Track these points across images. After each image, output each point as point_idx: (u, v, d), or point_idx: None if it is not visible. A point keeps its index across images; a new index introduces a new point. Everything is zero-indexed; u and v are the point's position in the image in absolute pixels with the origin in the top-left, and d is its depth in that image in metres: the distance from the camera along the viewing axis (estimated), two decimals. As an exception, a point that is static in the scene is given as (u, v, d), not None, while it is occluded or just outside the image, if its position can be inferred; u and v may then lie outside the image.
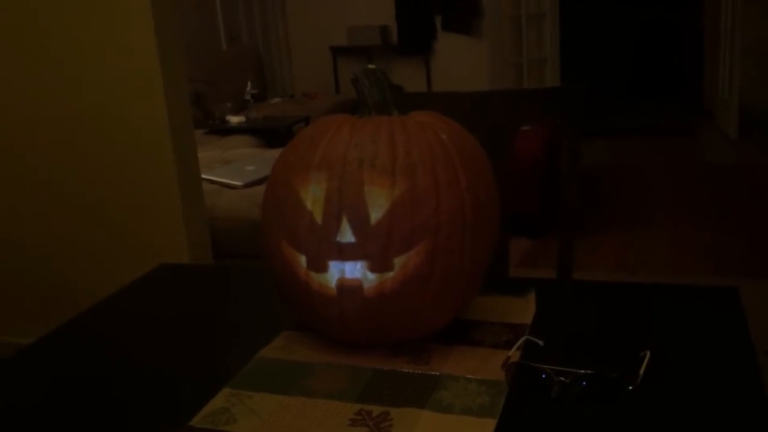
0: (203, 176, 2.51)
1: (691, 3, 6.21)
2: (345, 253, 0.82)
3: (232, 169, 2.83)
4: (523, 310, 0.98)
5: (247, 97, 4.34)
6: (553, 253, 2.22)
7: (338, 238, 0.82)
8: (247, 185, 2.67)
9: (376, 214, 0.81)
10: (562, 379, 0.75)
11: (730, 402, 0.74)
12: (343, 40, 5.96)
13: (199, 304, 1.13)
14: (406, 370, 0.86)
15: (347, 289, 0.84)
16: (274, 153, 3.22)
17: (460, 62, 5.84)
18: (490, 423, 0.74)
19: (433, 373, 0.85)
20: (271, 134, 3.96)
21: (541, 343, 0.87)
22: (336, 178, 0.82)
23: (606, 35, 6.94)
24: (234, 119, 4.08)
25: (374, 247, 0.81)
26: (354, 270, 0.83)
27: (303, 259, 0.85)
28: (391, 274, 0.82)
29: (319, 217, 0.83)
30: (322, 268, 0.83)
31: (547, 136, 3.54)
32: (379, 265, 0.82)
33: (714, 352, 0.84)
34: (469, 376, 0.83)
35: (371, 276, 0.83)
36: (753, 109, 5.29)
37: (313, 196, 0.84)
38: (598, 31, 6.92)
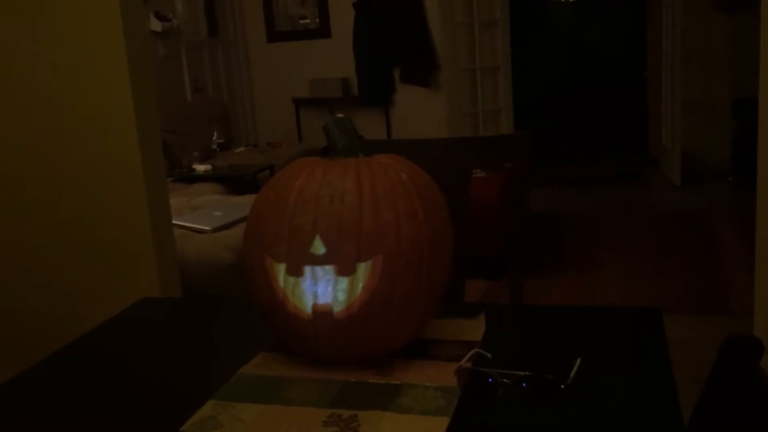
0: (173, 222, 2.60)
1: (634, 58, 6.57)
2: (317, 260, 0.94)
3: (200, 215, 2.93)
4: (474, 329, 1.11)
5: (214, 146, 4.46)
6: (504, 289, 2.38)
7: (312, 251, 0.94)
8: (215, 230, 2.77)
9: (344, 234, 0.94)
10: (506, 381, 0.88)
11: (647, 405, 0.88)
12: (305, 92, 6.15)
13: (182, 332, 1.23)
14: (372, 381, 0.98)
15: (320, 312, 0.96)
16: (241, 199, 3.33)
17: (419, 112, 6.06)
18: (444, 420, 0.86)
19: (395, 382, 0.97)
20: (237, 182, 4.07)
21: (489, 355, 0.99)
22: (311, 213, 0.95)
23: (557, 87, 7.26)
24: (200, 167, 4.19)
25: (342, 255, 0.94)
26: (326, 292, 0.95)
27: (282, 270, 0.96)
28: (357, 295, 0.95)
29: (297, 237, 0.95)
30: (299, 272, 0.95)
31: (505, 181, 3.73)
32: (344, 268, 0.94)
33: (635, 362, 0.98)
34: (426, 384, 0.95)
35: (341, 298, 0.95)
36: (695, 158, 5.58)
37: (290, 225, 0.96)
38: (549, 82, 7.24)
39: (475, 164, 1.62)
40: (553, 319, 1.16)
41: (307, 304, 0.96)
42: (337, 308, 0.96)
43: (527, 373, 0.88)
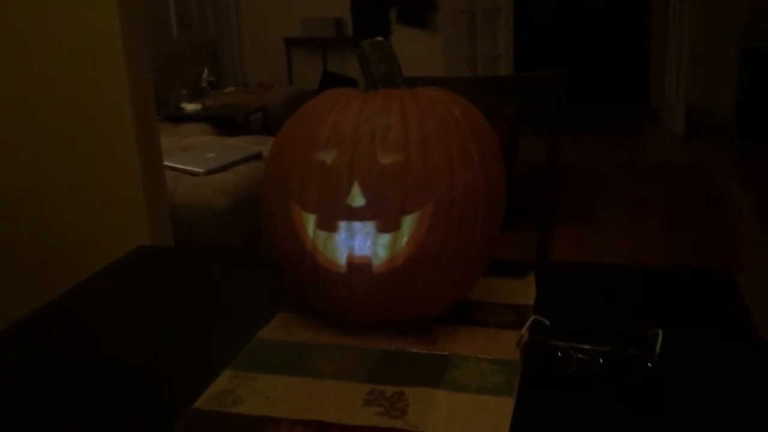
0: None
1: (638, 6, 6.35)
2: (354, 214, 0.80)
3: (192, 156, 2.76)
4: (524, 291, 0.98)
5: (204, 84, 4.25)
6: (514, 244, 2.24)
7: (348, 202, 0.79)
8: (208, 172, 2.60)
9: (387, 180, 0.79)
10: (581, 356, 0.74)
11: (743, 382, 0.75)
12: (296, 31, 5.90)
13: (184, 286, 1.09)
14: (414, 351, 0.84)
15: (357, 266, 0.81)
16: (234, 141, 3.16)
17: (415, 56, 5.83)
18: (508, 402, 0.73)
19: (441, 353, 0.83)
20: (228, 123, 3.88)
21: (548, 323, 0.86)
22: (347, 153, 0.80)
23: (558, 32, 7.04)
24: (189, 107, 3.99)
25: (384, 207, 0.79)
26: (363, 246, 0.81)
27: (312, 221, 0.81)
28: (401, 248, 0.80)
29: (330, 181, 0.80)
30: (332, 227, 0.80)
31: (510, 128, 3.56)
32: (388, 223, 0.79)
33: (721, 332, 0.85)
34: (479, 355, 0.82)
35: (382, 253, 0.81)
36: (698, 109, 5.44)
37: (321, 168, 0.81)
38: (550, 28, 7.02)
39: (504, 105, 1.46)
40: (610, 280, 1.03)
41: (341, 258, 0.82)
42: (377, 262, 0.81)
43: (606, 347, 0.74)
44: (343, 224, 0.80)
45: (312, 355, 0.84)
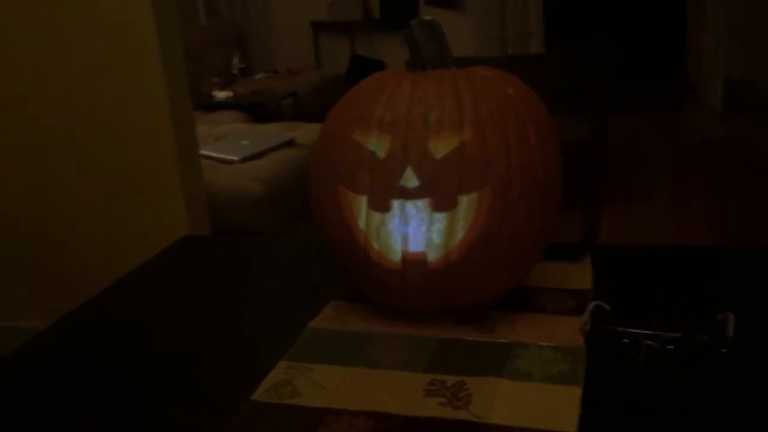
0: (199, 151, 2.43)
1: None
2: (409, 193, 0.77)
3: (226, 144, 2.75)
4: (581, 275, 0.95)
5: (235, 71, 4.24)
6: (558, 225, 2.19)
7: (402, 183, 0.77)
8: (243, 160, 2.60)
9: (442, 164, 0.76)
10: (650, 342, 0.71)
11: (824, 363, 0.71)
12: (323, 15, 5.86)
13: (231, 276, 1.07)
14: (472, 339, 0.82)
15: (411, 261, 0.79)
16: (267, 128, 3.15)
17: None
18: (575, 390, 0.70)
19: (501, 341, 0.81)
20: (260, 109, 3.87)
21: (608, 308, 0.83)
22: (400, 137, 0.77)
23: (590, 10, 6.91)
24: (221, 94, 3.99)
25: (440, 187, 0.76)
26: (418, 233, 0.78)
27: (363, 204, 0.79)
28: (458, 237, 0.78)
29: (382, 166, 0.77)
30: (385, 207, 0.78)
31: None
32: (443, 203, 0.76)
33: (792, 313, 0.81)
34: (541, 343, 0.79)
35: (437, 239, 0.78)
36: (737, 83, 5.31)
37: (375, 149, 0.78)
38: (582, 6, 6.89)
39: (552, 83, 1.41)
40: (669, 262, 0.99)
41: (395, 251, 0.79)
42: (433, 255, 0.79)
43: (677, 333, 0.71)
44: (396, 204, 0.78)
45: (368, 344, 0.82)
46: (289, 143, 2.80)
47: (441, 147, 0.76)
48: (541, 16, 5.59)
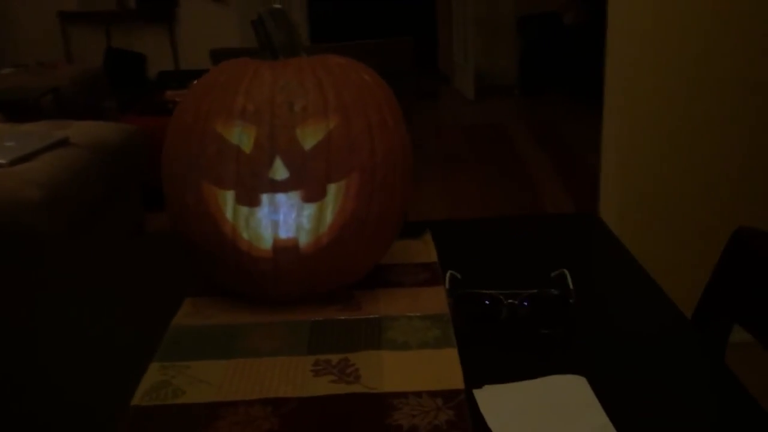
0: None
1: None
2: (278, 186, 0.78)
3: (-13, 146, 2.48)
4: (426, 250, 1.01)
5: (-21, 66, 3.78)
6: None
7: (271, 176, 0.77)
8: (12, 163, 2.36)
9: (310, 151, 0.78)
10: (511, 301, 0.80)
11: (652, 310, 0.85)
12: (72, 5, 5.45)
13: (59, 284, 1.00)
14: (344, 318, 0.85)
15: (282, 248, 0.80)
16: (32, 127, 2.88)
17: (208, 28, 5.64)
18: (452, 352, 0.76)
19: (372, 316, 0.85)
20: (14, 107, 3.51)
21: (459, 276, 0.91)
22: (265, 124, 0.78)
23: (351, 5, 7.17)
24: (-35, 92, 3.55)
25: (309, 177, 0.78)
26: (288, 219, 0.80)
27: (230, 198, 0.78)
28: (328, 219, 0.80)
29: (249, 157, 0.77)
30: (254, 202, 0.78)
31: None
32: (313, 193, 0.78)
33: (612, 267, 0.95)
34: (408, 314, 0.85)
35: (307, 225, 0.80)
36: (485, 74, 5.83)
37: (239, 140, 0.78)
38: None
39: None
40: (497, 232, 1.10)
41: (265, 239, 0.80)
42: (304, 240, 0.80)
43: (532, 291, 0.80)
44: (265, 198, 0.79)
45: (241, 335, 0.82)
46: (63, 143, 2.59)
47: (308, 135, 0.78)
48: (305, 8, 5.69)
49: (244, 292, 0.87)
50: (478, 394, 0.69)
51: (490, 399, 0.68)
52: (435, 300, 0.87)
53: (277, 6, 0.85)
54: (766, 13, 1.81)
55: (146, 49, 5.74)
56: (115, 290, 0.96)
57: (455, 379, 0.72)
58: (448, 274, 0.89)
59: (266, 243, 0.80)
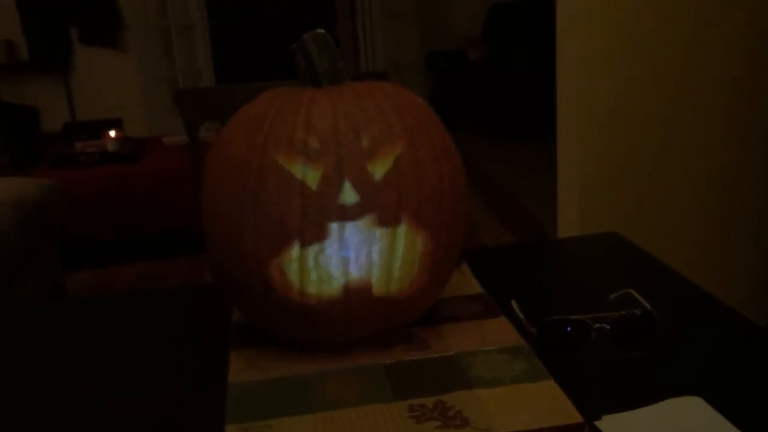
0: None
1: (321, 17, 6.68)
2: (348, 213, 0.71)
3: None
4: (466, 280, 0.97)
5: None
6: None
7: (340, 201, 0.71)
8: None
9: (382, 180, 0.72)
10: (599, 325, 0.76)
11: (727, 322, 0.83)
12: (-42, 57, 5.13)
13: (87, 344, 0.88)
14: (415, 358, 0.78)
15: (354, 290, 0.73)
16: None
17: (107, 78, 5.44)
18: (551, 384, 0.72)
19: (447, 354, 0.79)
20: None
21: (518, 304, 0.87)
22: (332, 155, 0.72)
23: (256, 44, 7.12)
24: None
25: (380, 201, 0.72)
26: (360, 259, 0.73)
27: (294, 253, 0.71)
28: (399, 258, 0.74)
29: (314, 187, 0.71)
30: (323, 235, 0.71)
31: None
32: (387, 218, 0.72)
33: (655, 286, 0.94)
34: (483, 348, 0.79)
35: (377, 259, 0.74)
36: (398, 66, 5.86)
37: (303, 174, 0.72)
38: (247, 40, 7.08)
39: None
40: (522, 258, 1.07)
41: (336, 279, 0.73)
42: (376, 277, 0.74)
43: (622, 312, 0.77)
44: (334, 228, 0.72)
45: (314, 386, 0.74)
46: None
47: (378, 165, 0.72)
48: (209, 53, 5.59)
49: (298, 338, 0.79)
50: (601, 425, 0.65)
51: (616, 429, 0.64)
52: (503, 332, 0.82)
53: (321, 31, 0.80)
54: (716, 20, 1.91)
55: (39, 100, 5.47)
56: (145, 347, 0.85)
57: (570, 412, 0.67)
58: (515, 304, 0.85)
59: (336, 283, 0.73)
